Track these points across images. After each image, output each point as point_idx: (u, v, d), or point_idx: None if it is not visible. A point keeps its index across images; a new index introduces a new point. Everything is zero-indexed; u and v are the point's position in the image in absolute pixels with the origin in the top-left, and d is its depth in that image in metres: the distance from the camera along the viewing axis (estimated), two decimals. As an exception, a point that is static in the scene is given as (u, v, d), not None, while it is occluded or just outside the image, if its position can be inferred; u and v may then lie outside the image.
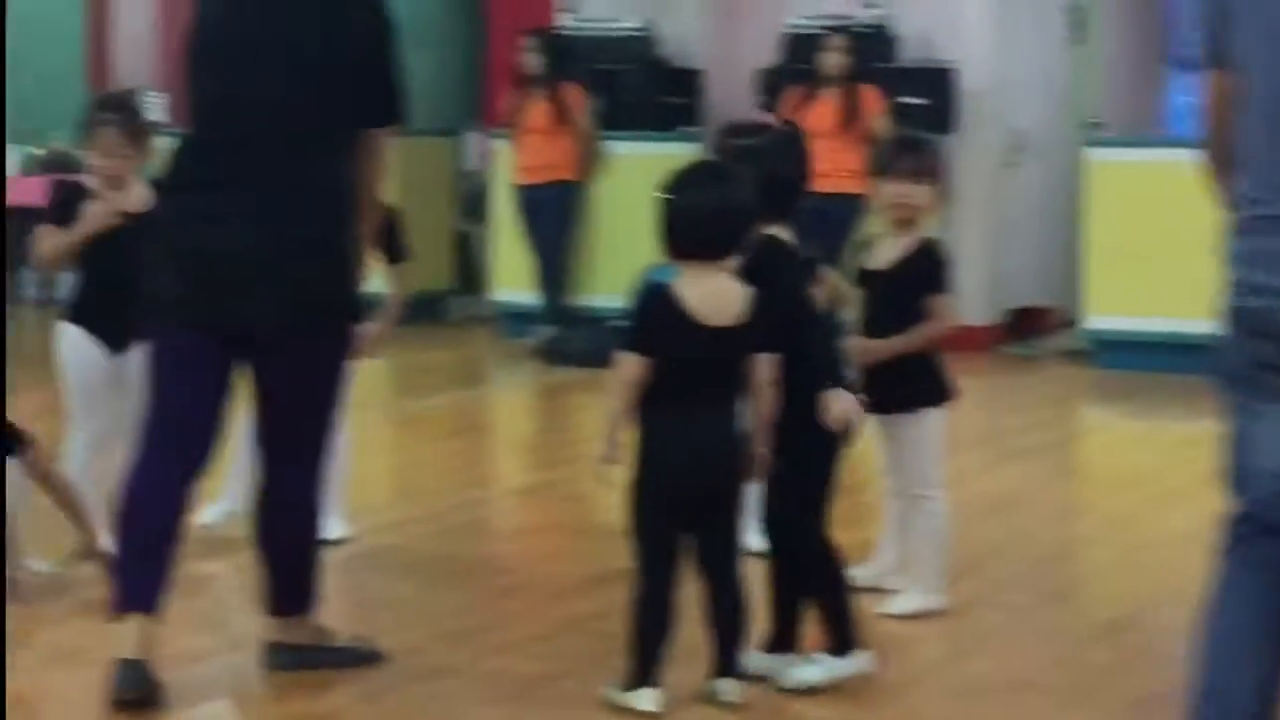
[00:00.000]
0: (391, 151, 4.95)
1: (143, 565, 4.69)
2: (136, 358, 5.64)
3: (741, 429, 4.68)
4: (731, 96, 12.05)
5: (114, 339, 5.91)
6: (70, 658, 5.17)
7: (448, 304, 13.22)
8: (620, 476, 4.62)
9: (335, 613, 5.27)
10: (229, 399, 4.81)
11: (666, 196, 4.67)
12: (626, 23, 12.32)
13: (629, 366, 4.61)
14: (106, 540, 5.27)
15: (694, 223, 4.63)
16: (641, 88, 12.09)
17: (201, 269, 4.66)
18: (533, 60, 11.61)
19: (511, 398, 10.82)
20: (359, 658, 5.06)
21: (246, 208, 4.64)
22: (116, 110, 6.06)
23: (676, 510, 4.65)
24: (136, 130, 5.97)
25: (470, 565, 6.40)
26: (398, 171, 12.28)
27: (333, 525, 6.52)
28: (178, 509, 4.75)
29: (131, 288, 5.44)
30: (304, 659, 4.98)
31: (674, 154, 8.75)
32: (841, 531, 5.02)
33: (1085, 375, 11.04)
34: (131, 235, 5.69)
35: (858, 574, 5.87)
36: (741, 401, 4.68)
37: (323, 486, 4.95)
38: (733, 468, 4.68)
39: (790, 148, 5.07)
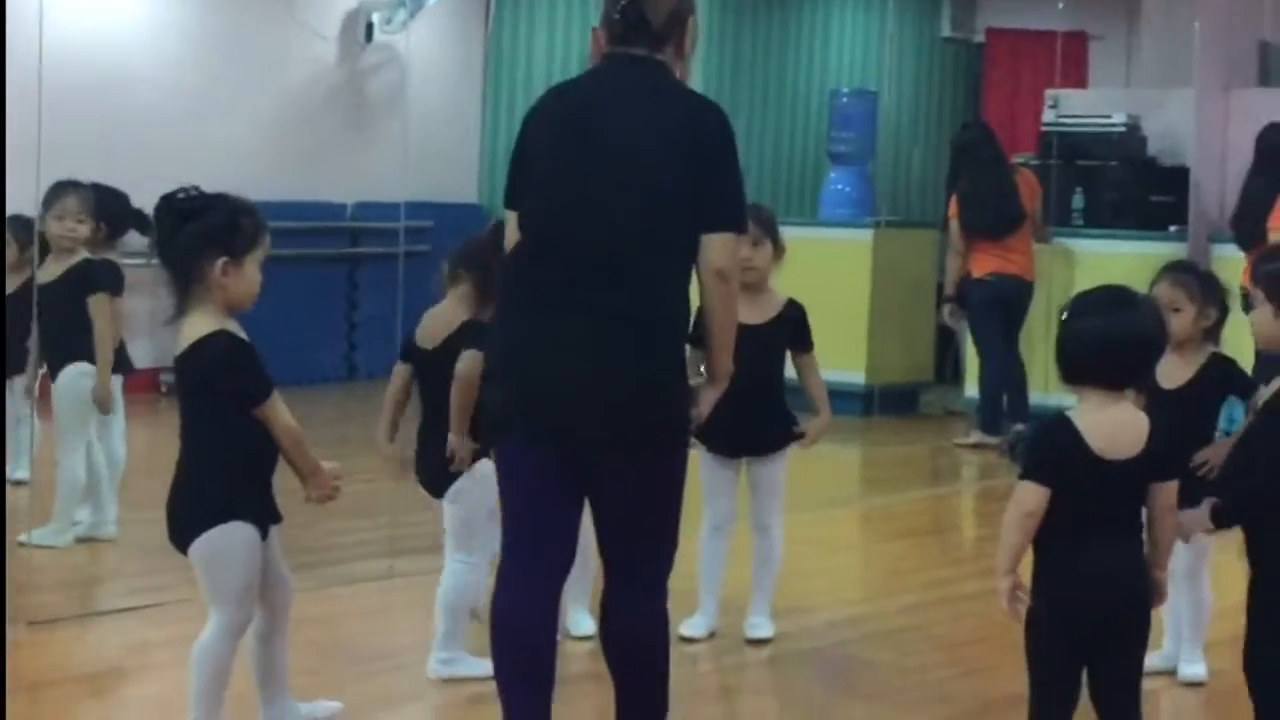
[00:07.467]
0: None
1: (527, 688, 4.61)
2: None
3: (1144, 557, 4.50)
4: (1219, 195, 11.71)
5: None
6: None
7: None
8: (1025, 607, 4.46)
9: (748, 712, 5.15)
10: (578, 511, 4.69)
11: (1065, 319, 4.48)
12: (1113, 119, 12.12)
13: (1029, 496, 4.43)
14: None
15: (1093, 349, 4.43)
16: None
17: (532, 392, 4.55)
18: None
19: (966, 501, 10.66)
20: None
21: (580, 337, 4.49)
22: None
23: (1078, 642, 4.47)
24: None
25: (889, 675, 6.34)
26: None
27: (761, 624, 6.63)
28: (549, 621, 4.66)
29: None
30: None
31: (1159, 253, 8.57)
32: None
33: None
34: None
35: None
36: (1141, 529, 4.50)
37: (664, 601, 4.76)
38: (1137, 597, 4.53)
39: None
